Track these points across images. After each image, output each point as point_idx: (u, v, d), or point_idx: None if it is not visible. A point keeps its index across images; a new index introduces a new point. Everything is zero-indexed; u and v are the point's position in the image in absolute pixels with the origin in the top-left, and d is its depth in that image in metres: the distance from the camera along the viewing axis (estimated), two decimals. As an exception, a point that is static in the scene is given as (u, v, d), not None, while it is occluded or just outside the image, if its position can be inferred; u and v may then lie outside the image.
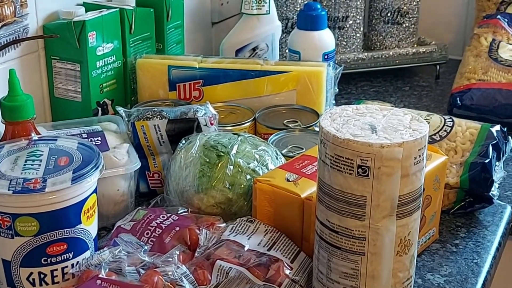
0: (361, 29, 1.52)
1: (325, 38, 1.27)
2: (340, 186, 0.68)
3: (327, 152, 0.69)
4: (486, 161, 0.95)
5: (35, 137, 0.83)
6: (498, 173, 0.98)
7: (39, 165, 0.75)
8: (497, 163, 0.98)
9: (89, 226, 0.77)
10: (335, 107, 0.73)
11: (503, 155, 1.00)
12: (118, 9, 1.12)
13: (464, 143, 0.99)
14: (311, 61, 1.23)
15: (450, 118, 1.04)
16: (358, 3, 1.48)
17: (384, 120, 0.70)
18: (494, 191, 0.96)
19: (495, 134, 0.99)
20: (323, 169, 0.70)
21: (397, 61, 1.52)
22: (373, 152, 0.65)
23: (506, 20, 1.42)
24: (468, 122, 1.03)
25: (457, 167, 0.98)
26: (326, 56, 1.26)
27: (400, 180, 0.67)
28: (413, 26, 1.54)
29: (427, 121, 0.77)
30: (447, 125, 1.02)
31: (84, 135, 0.96)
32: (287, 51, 1.30)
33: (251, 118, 1.09)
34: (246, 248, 0.78)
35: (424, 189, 0.72)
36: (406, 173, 0.67)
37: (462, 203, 0.98)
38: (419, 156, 0.68)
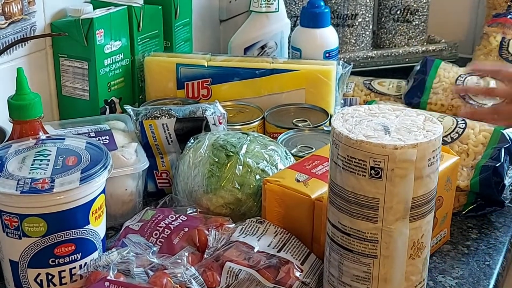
0: (371, 27, 1.50)
1: (327, 35, 1.25)
2: (352, 187, 0.67)
3: (339, 153, 0.67)
4: (498, 164, 0.94)
5: (43, 136, 0.82)
6: (511, 177, 0.96)
7: (47, 165, 0.74)
8: (510, 166, 0.96)
9: (97, 227, 0.76)
10: (347, 107, 0.72)
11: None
12: (126, 6, 1.11)
13: (476, 146, 0.98)
14: (319, 59, 1.22)
15: (463, 120, 1.02)
16: (368, 0, 1.47)
17: (397, 120, 0.69)
18: (506, 194, 0.95)
19: (508, 137, 0.98)
20: (334, 171, 0.69)
21: (407, 59, 1.50)
22: (387, 154, 0.64)
23: (517, 18, 1.41)
24: (482, 125, 1.01)
25: (468, 170, 0.96)
26: (327, 54, 1.24)
27: (413, 182, 0.66)
28: (422, 24, 1.52)
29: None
30: (459, 127, 1.00)
31: (92, 134, 0.95)
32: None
33: (260, 117, 1.08)
34: (255, 250, 0.77)
35: (436, 190, 0.71)
36: (420, 175, 0.66)
37: (473, 206, 0.97)
38: (433, 157, 0.67)
